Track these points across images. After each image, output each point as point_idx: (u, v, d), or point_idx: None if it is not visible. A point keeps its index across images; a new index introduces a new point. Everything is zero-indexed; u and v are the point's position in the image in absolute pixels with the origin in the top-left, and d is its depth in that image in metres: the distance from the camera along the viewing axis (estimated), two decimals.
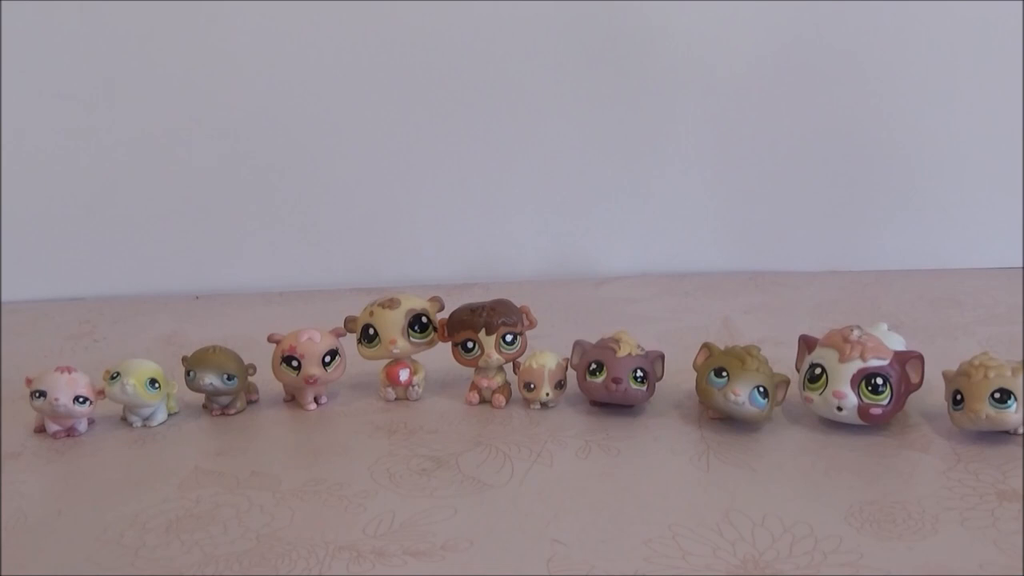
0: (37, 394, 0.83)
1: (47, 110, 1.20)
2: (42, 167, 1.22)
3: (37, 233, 1.24)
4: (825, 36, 1.19)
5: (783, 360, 0.85)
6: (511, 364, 0.88)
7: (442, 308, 0.90)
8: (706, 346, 0.83)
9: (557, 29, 1.20)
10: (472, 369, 0.89)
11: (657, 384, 0.85)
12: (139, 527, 0.70)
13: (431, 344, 0.89)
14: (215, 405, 0.88)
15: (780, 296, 1.17)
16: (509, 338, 0.87)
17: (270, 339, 0.88)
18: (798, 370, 0.83)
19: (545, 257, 1.28)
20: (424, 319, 0.89)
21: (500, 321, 0.86)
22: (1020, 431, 0.77)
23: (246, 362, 0.88)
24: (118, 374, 0.84)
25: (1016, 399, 0.75)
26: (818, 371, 0.79)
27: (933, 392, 0.81)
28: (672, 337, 1.02)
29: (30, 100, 1.20)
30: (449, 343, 0.88)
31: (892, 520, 0.67)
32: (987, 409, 0.75)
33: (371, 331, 0.88)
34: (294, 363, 0.87)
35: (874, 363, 0.78)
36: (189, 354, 0.88)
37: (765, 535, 0.66)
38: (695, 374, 0.82)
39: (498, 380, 0.88)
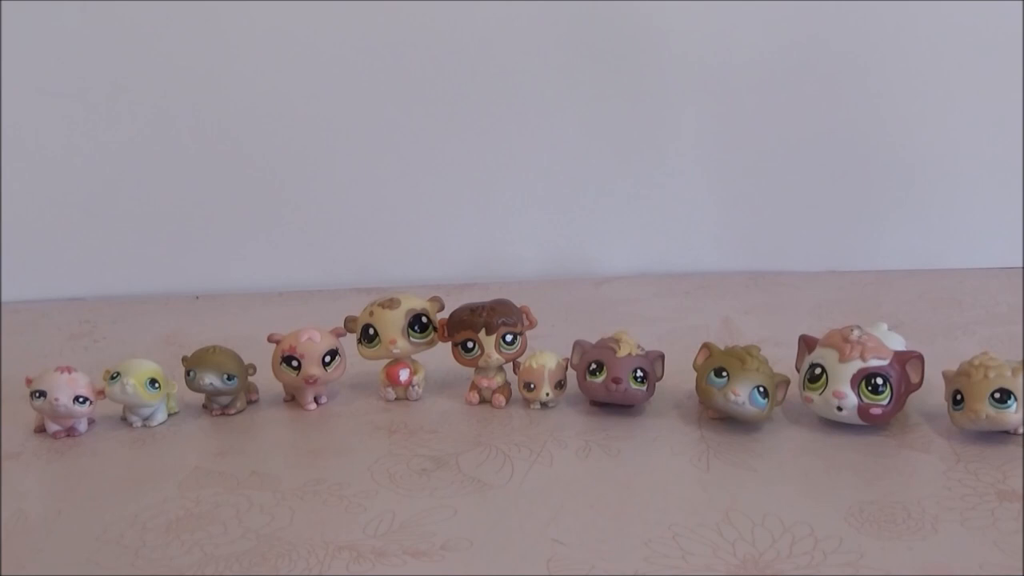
0: (37, 394, 0.83)
1: (47, 110, 1.21)
2: (42, 167, 1.23)
3: (37, 233, 1.24)
4: (825, 36, 1.20)
5: (783, 360, 0.85)
6: (511, 364, 0.88)
7: (442, 308, 0.90)
8: (706, 346, 0.83)
9: (557, 29, 1.20)
10: (472, 369, 0.89)
11: (657, 384, 0.85)
12: (139, 527, 0.70)
13: (431, 344, 0.89)
14: (215, 405, 0.88)
15: (780, 296, 1.17)
16: (509, 338, 0.87)
17: (270, 339, 0.88)
18: (798, 370, 0.83)
19: (545, 257, 1.28)
20: (424, 319, 0.89)
21: (500, 321, 0.86)
22: (1020, 431, 0.77)
23: (246, 362, 0.88)
24: (118, 374, 0.84)
25: (1016, 399, 0.75)
26: (818, 371, 0.79)
27: (933, 392, 0.81)
28: (672, 337, 1.02)
29: (30, 100, 1.20)
30: (449, 343, 0.88)
31: (892, 520, 0.67)
32: (987, 409, 0.75)
33: (371, 331, 0.88)
34: (294, 363, 0.87)
35: (874, 363, 0.78)
36: (189, 354, 0.88)
37: (765, 535, 0.66)
38: (695, 374, 0.82)
39: (498, 380, 0.88)
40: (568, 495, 0.72)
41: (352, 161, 1.25)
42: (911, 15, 1.18)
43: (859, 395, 0.77)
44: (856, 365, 0.78)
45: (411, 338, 0.88)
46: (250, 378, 0.89)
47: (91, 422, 0.86)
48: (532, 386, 0.86)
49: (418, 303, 0.89)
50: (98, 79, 1.20)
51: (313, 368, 0.86)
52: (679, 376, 0.87)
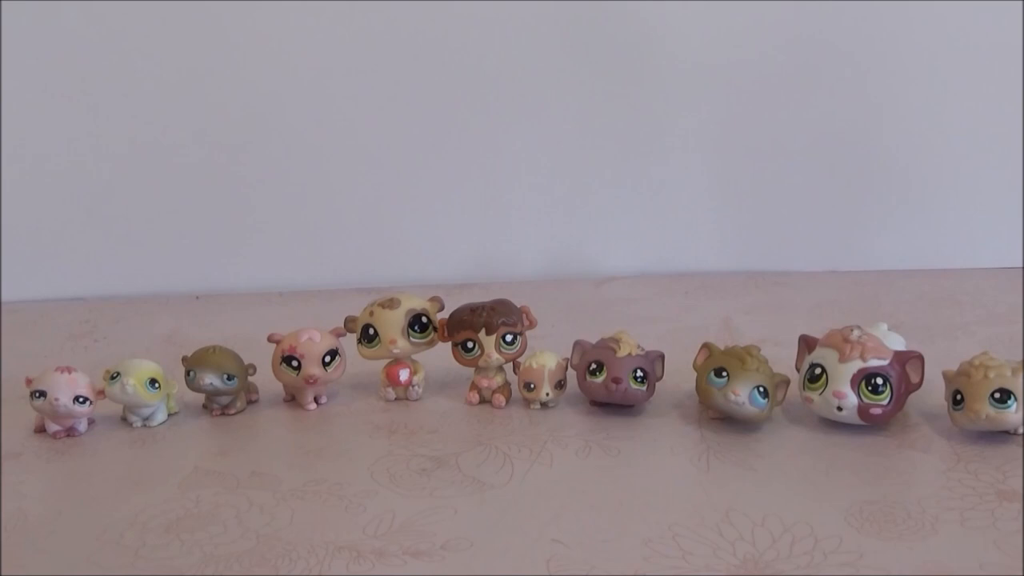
0: (37, 394, 0.83)
1: (47, 110, 1.20)
2: (42, 167, 1.22)
3: (37, 233, 1.24)
4: (826, 36, 1.20)
5: (783, 360, 0.85)
6: (511, 364, 0.88)
7: (442, 308, 0.90)
8: (706, 346, 0.83)
9: (557, 28, 1.20)
10: (472, 369, 0.89)
11: (657, 384, 0.85)
12: (139, 527, 0.70)
13: (431, 344, 0.89)
14: (215, 405, 0.88)
15: (780, 296, 1.17)
16: (509, 338, 0.87)
17: (270, 339, 0.88)
18: (798, 370, 0.83)
19: (545, 257, 1.28)
20: (424, 319, 0.89)
21: (500, 321, 0.86)
22: (1020, 431, 0.77)
23: (246, 362, 0.88)
24: (118, 374, 0.84)
25: (1016, 399, 0.75)
26: (818, 371, 0.79)
27: (933, 392, 0.81)
28: (672, 337, 1.02)
29: (31, 100, 1.20)
30: (449, 343, 0.88)
31: (892, 520, 0.67)
32: (987, 409, 0.75)
33: (371, 331, 0.88)
34: (294, 363, 0.87)
35: (874, 363, 0.78)
36: (189, 354, 0.88)
37: (765, 535, 0.66)
38: (695, 374, 0.82)
39: (498, 380, 0.88)
40: (568, 495, 0.72)
41: (352, 161, 1.24)
42: (911, 15, 1.18)
43: (859, 395, 0.77)
44: (856, 365, 0.78)
45: (411, 338, 0.88)
46: (250, 378, 0.89)
47: (91, 422, 0.86)
48: (532, 386, 0.86)
49: (418, 303, 0.89)
50: (98, 79, 1.20)
51: (313, 368, 0.86)
52: (679, 376, 0.87)
